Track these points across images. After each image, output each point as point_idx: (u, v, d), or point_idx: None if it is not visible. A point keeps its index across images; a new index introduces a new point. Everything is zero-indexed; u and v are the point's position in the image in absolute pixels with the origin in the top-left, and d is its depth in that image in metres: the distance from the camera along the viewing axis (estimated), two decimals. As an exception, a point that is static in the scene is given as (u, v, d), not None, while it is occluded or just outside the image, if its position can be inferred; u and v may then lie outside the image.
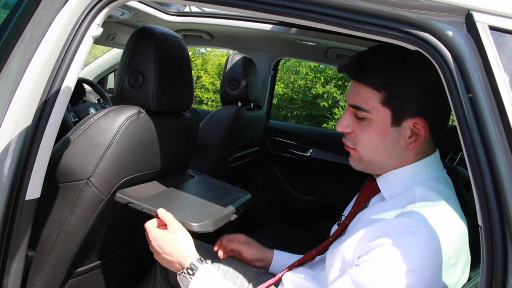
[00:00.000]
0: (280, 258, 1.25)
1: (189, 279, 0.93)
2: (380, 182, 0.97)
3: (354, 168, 1.01)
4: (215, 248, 1.23)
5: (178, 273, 0.96)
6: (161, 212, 0.99)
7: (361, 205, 1.00)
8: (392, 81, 0.88)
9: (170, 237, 0.96)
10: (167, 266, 0.98)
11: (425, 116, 0.90)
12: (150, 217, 1.00)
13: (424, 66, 0.86)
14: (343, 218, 1.07)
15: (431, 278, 0.80)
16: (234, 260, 1.26)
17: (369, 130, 0.92)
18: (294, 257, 1.24)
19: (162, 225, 0.99)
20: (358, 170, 1.00)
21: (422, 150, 0.94)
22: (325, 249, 1.09)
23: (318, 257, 1.13)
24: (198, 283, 0.93)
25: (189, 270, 0.94)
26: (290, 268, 1.13)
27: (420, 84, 0.88)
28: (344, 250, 0.91)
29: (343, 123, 0.96)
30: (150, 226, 0.99)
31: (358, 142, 0.95)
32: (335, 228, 1.09)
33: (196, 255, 0.96)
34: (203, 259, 0.96)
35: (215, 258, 1.25)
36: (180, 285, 0.95)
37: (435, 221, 0.82)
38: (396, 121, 0.91)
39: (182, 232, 0.97)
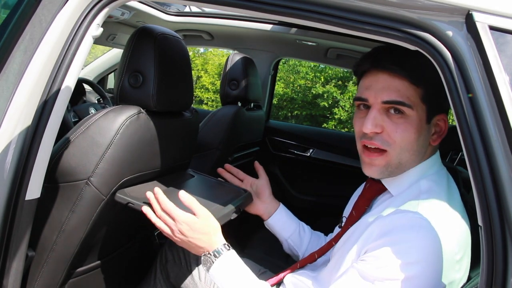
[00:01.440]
0: (284, 211, 1.26)
1: (214, 260, 0.95)
2: (387, 182, 0.95)
3: (374, 177, 0.94)
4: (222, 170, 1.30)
5: (203, 254, 0.97)
6: (186, 198, 0.96)
7: (364, 208, 1.00)
8: (430, 77, 0.83)
9: (203, 223, 0.95)
10: (189, 249, 0.98)
11: (446, 111, 0.90)
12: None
13: None
14: (344, 219, 1.06)
15: (437, 273, 0.80)
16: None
17: (407, 127, 0.87)
18: (293, 221, 1.26)
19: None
20: (379, 178, 0.94)
21: (435, 148, 0.94)
22: (327, 251, 1.08)
23: (320, 260, 1.12)
24: (220, 265, 0.95)
25: (215, 253, 0.95)
26: (293, 270, 1.13)
27: None
28: (349, 253, 0.90)
29: (374, 122, 0.87)
30: (178, 210, 0.96)
31: (393, 142, 0.88)
32: (337, 230, 1.08)
33: (224, 241, 0.98)
34: (230, 246, 0.98)
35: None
36: (203, 265, 0.98)
37: (440, 216, 0.82)
38: (429, 118, 0.89)
39: (213, 219, 0.97)
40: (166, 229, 0.96)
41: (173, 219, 0.95)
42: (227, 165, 1.34)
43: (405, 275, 0.78)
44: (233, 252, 0.98)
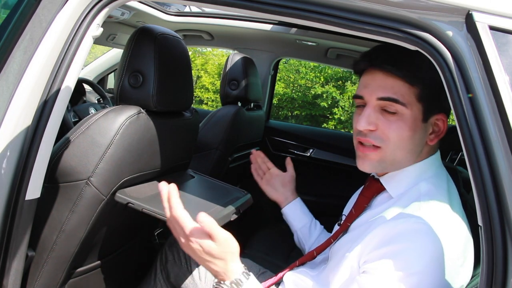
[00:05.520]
0: (299, 204, 1.32)
1: None
2: (386, 181, 0.95)
3: (368, 172, 0.95)
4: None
5: (218, 282, 0.87)
6: (206, 222, 0.84)
7: (363, 206, 0.99)
8: (427, 76, 0.85)
9: (219, 250, 0.85)
10: (207, 269, 0.89)
11: (446, 111, 0.89)
12: (150, 217, 1.00)
13: None
14: (343, 217, 1.06)
15: (440, 280, 0.79)
16: (234, 260, 1.26)
17: (401, 125, 0.88)
18: (306, 215, 1.31)
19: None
20: (374, 172, 0.95)
21: (433, 148, 0.94)
22: (325, 249, 1.08)
23: (319, 258, 1.12)
24: None
25: (233, 285, 0.85)
26: (291, 268, 1.13)
27: None
28: (349, 253, 0.89)
29: (368, 120, 0.89)
30: (191, 224, 0.85)
31: (386, 139, 0.89)
32: (336, 228, 1.08)
33: (242, 268, 0.88)
34: (248, 273, 0.89)
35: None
36: None
37: (442, 221, 0.81)
38: (426, 117, 0.89)
39: (231, 243, 0.86)
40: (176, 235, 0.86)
41: (184, 233, 0.85)
42: (256, 153, 1.38)
43: (408, 286, 0.77)
44: (253, 279, 0.88)
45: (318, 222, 1.33)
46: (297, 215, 1.30)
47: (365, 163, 0.93)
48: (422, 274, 0.77)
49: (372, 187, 0.99)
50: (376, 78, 0.90)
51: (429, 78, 0.85)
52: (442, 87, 0.85)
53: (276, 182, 1.34)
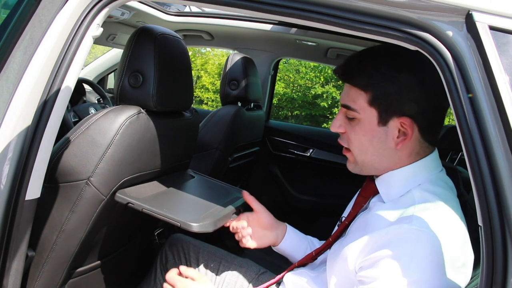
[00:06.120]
0: (292, 232, 1.19)
1: None
2: (379, 183, 0.96)
3: (352, 172, 1.01)
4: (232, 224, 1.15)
5: None
6: (184, 269, 1.03)
7: (361, 206, 1.00)
8: (377, 82, 0.89)
9: None
10: None
11: (412, 116, 0.89)
12: (150, 217, 1.00)
13: (409, 66, 0.88)
14: (343, 219, 1.06)
15: (441, 282, 0.79)
16: (235, 260, 1.26)
17: (357, 130, 0.93)
18: (302, 240, 1.20)
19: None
20: (356, 173, 1.00)
21: (414, 151, 0.93)
22: (325, 250, 1.08)
23: (319, 259, 1.12)
24: None
25: None
26: (291, 268, 1.13)
27: (405, 84, 0.88)
28: (345, 254, 0.90)
29: (336, 123, 0.98)
30: (175, 276, 1.03)
31: (350, 143, 0.96)
32: (335, 229, 1.08)
33: None
34: None
35: (215, 258, 1.25)
36: None
37: (436, 225, 0.81)
38: (382, 120, 0.91)
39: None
40: None
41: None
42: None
43: None
44: None
45: (313, 239, 1.24)
46: (294, 245, 1.18)
47: (348, 164, 1.01)
48: (420, 282, 0.77)
49: (368, 187, 1.00)
50: (344, 86, 0.97)
51: (382, 85, 0.89)
52: (402, 92, 0.88)
53: (254, 229, 1.15)
